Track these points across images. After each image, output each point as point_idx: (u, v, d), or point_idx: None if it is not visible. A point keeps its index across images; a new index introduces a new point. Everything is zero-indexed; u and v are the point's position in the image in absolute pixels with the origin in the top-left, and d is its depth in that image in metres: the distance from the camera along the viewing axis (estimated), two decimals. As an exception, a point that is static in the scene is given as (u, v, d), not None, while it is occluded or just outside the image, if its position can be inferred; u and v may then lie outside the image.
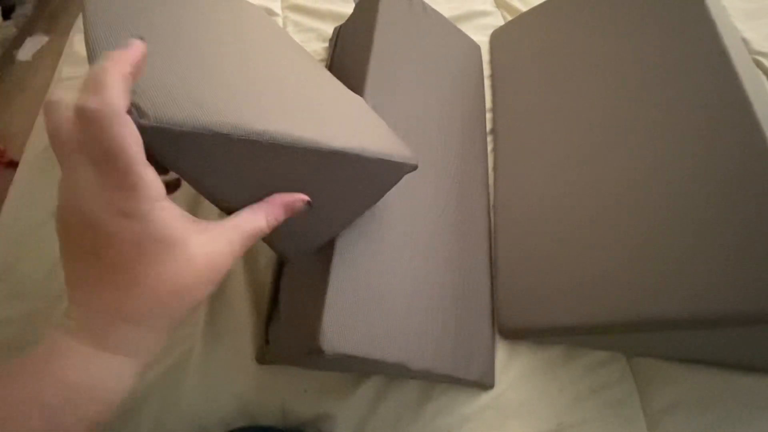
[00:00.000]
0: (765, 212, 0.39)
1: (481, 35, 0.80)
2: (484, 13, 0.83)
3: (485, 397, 0.49)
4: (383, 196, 0.41)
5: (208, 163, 0.28)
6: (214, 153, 0.27)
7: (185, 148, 0.26)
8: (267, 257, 0.56)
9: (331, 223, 0.41)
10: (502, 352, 0.51)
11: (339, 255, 0.42)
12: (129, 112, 0.23)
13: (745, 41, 0.75)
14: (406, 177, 0.41)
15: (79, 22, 0.87)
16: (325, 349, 0.37)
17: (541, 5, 0.75)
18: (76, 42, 0.83)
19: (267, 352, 0.46)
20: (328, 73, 0.53)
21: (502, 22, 0.82)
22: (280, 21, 0.84)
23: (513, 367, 0.50)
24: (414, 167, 0.39)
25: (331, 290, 0.40)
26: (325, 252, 0.43)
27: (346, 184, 0.37)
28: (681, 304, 0.40)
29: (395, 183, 0.40)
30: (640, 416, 0.48)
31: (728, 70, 0.47)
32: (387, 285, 0.44)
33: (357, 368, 0.48)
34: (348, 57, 0.67)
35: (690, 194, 0.44)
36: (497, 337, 0.52)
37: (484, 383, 0.49)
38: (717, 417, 0.46)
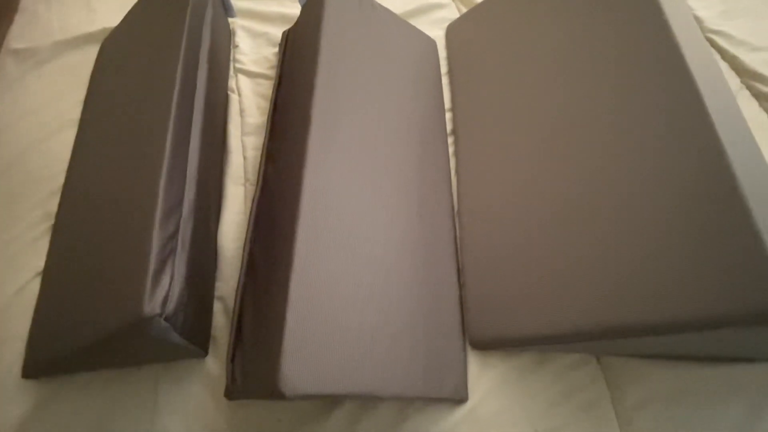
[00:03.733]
0: (720, 217, 0.38)
1: (437, 29, 0.78)
2: (438, 6, 0.81)
3: (460, 412, 0.48)
4: None
5: None
6: None
7: None
8: (230, 286, 0.54)
9: None
10: (473, 363, 0.51)
11: (295, 287, 0.40)
12: None
13: (698, 19, 0.74)
14: (361, 194, 0.40)
15: (10, 42, 0.82)
16: (287, 394, 0.36)
17: (495, -4, 0.73)
18: (9, 64, 0.78)
19: (234, 390, 0.45)
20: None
21: (457, 15, 0.80)
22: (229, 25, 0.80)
23: (485, 378, 0.50)
24: None
25: (289, 329, 0.38)
26: (283, 285, 0.41)
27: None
28: (645, 311, 0.40)
29: None
30: (612, 416, 0.48)
31: (680, 67, 0.46)
32: (349, 315, 0.42)
33: (327, 399, 0.47)
34: (297, 63, 0.64)
35: (650, 201, 0.43)
36: (468, 348, 0.52)
37: (458, 398, 0.48)
38: (687, 409, 0.47)
